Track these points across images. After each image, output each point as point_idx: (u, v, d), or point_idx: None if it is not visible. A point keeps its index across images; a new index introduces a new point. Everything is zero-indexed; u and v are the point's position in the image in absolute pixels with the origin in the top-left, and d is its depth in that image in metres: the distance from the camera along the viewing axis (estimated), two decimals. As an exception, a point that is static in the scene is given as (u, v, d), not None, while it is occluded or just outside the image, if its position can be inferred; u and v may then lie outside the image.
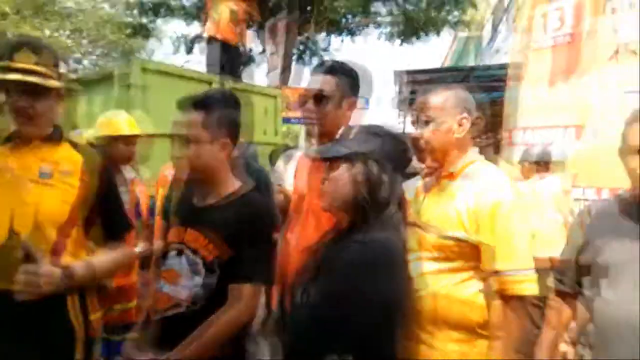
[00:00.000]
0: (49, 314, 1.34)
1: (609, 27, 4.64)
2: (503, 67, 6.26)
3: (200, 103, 1.51)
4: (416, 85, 7.20)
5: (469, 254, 1.39)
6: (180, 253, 1.49)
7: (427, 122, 1.47)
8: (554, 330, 1.62)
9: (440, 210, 1.43)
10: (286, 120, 7.61)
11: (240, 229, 1.42)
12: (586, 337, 1.57)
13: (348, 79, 1.65)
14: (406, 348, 1.40)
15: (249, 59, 11.67)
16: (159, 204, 3.13)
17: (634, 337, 1.33)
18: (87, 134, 2.86)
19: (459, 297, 1.38)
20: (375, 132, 1.25)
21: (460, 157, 1.48)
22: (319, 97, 1.62)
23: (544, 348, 1.58)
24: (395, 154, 1.23)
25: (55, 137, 1.45)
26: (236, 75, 5.69)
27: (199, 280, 1.44)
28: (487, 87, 7.23)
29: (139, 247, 2.84)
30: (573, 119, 5.03)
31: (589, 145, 4.94)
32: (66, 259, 1.39)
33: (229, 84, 4.86)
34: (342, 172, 1.20)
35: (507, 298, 1.34)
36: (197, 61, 5.81)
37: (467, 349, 1.38)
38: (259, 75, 10.01)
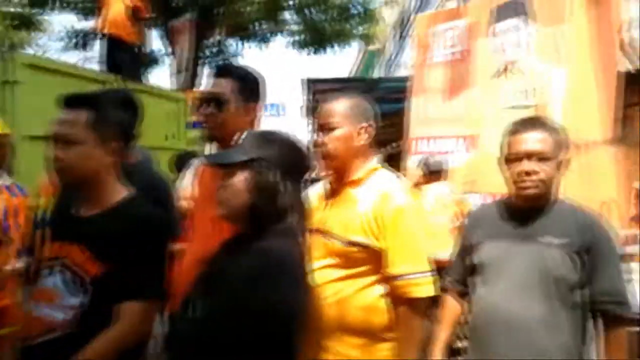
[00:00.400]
0: None
1: (497, 46, 5.07)
2: (407, 79, 6.58)
3: (87, 100, 1.38)
4: (325, 94, 7.32)
5: (373, 259, 1.41)
6: (60, 270, 1.34)
7: (330, 129, 1.48)
8: (447, 328, 1.71)
9: (344, 217, 1.44)
10: (194, 125, 7.29)
11: (125, 241, 1.32)
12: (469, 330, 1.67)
13: (247, 83, 1.61)
14: (312, 357, 1.39)
15: (154, 61, 11.10)
16: (48, 214, 2.82)
17: (507, 333, 1.45)
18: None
19: (363, 302, 1.40)
20: (271, 138, 1.22)
21: (364, 165, 1.51)
22: (217, 101, 1.56)
23: (438, 345, 1.67)
24: (294, 161, 1.21)
25: None
26: (138, 76, 5.35)
27: (81, 299, 1.31)
28: (393, 98, 7.56)
29: (20, 263, 2.54)
30: (469, 130, 5.41)
31: (483, 154, 5.35)
32: None
33: (130, 84, 4.57)
34: (239, 179, 1.15)
35: (409, 300, 1.38)
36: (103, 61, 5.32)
37: (373, 353, 1.40)
38: (167, 77, 9.56)
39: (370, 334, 1.41)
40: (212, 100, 1.56)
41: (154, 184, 1.96)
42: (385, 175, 1.54)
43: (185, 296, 1.19)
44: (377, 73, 16.77)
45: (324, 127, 1.50)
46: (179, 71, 8.12)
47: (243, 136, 1.24)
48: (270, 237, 1.09)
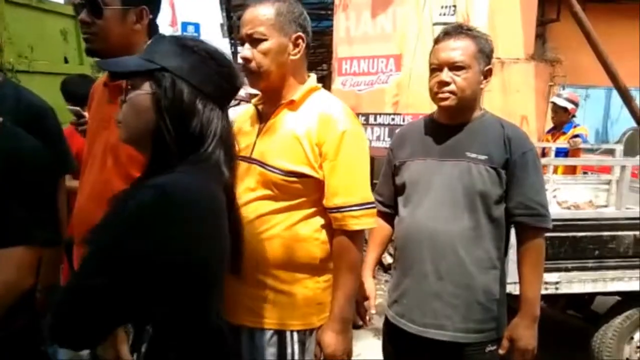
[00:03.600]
0: None
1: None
2: (331, -6, 6.20)
3: None
4: (243, 9, 6.75)
5: (312, 189, 1.29)
6: None
7: (257, 41, 1.26)
8: (376, 249, 1.69)
9: (281, 144, 1.29)
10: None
11: None
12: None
13: None
14: (251, 297, 1.30)
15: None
16: None
17: (432, 248, 1.45)
18: None
19: (302, 235, 1.30)
20: (189, 45, 0.94)
21: (300, 83, 1.34)
22: (93, 5, 1.27)
23: (368, 266, 1.65)
24: (217, 76, 0.95)
25: None
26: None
27: None
28: (317, 15, 7.17)
29: None
30: (394, 49, 5.31)
31: (406, 73, 5.32)
32: None
33: (7, -2, 3.83)
34: (141, 94, 0.91)
35: (346, 232, 1.30)
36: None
37: (310, 286, 1.32)
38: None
39: (308, 268, 1.32)
40: (87, 4, 1.27)
41: (30, 110, 1.61)
42: (326, 96, 1.37)
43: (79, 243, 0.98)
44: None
45: (249, 39, 1.28)
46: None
47: (150, 41, 0.96)
48: (180, 168, 0.87)
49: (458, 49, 1.42)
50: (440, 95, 1.44)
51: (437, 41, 1.48)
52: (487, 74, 1.46)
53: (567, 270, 2.23)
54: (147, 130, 0.90)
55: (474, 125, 1.48)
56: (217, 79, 0.95)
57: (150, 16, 1.35)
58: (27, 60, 3.81)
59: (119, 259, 0.78)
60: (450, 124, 1.50)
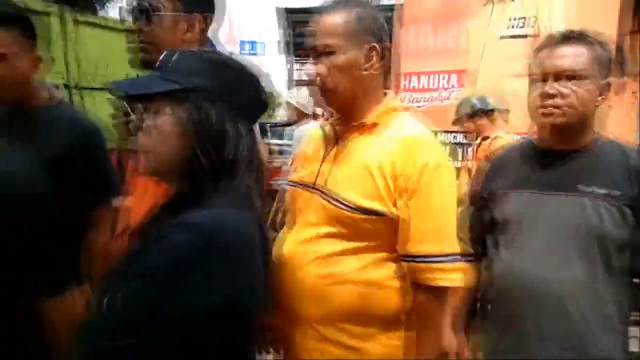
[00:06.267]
0: None
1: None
2: (391, 8, 6.07)
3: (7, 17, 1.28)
4: (303, 26, 6.74)
5: (387, 230, 1.10)
6: None
7: (325, 54, 1.11)
8: (459, 301, 1.42)
9: (352, 174, 1.10)
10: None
11: None
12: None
13: None
14: (314, 353, 1.12)
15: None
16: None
17: (536, 303, 1.19)
18: None
19: (375, 281, 1.11)
20: (215, 61, 0.84)
21: (377, 102, 1.16)
22: (147, 11, 1.18)
23: (453, 321, 1.40)
24: (248, 96, 0.85)
25: None
26: (86, 7, 4.69)
27: None
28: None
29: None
30: (456, 64, 5.08)
31: (468, 90, 5.05)
32: None
33: (74, 16, 3.96)
34: (167, 118, 0.80)
35: (431, 288, 1.08)
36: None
37: (381, 342, 1.12)
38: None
39: (381, 321, 1.12)
40: (142, 11, 1.18)
41: (79, 133, 1.47)
42: (407, 119, 1.17)
43: (105, 279, 0.87)
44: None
45: (319, 51, 1.13)
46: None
47: (166, 56, 0.84)
48: (213, 201, 0.78)
49: (569, 56, 1.17)
50: (543, 111, 1.18)
51: (540, 48, 1.24)
52: (604, 89, 1.19)
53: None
54: (175, 159, 0.82)
55: (587, 152, 1.21)
56: (246, 97, 0.86)
57: (203, 25, 1.22)
58: (90, 77, 3.91)
59: (156, 312, 0.69)
60: (556, 149, 1.24)
